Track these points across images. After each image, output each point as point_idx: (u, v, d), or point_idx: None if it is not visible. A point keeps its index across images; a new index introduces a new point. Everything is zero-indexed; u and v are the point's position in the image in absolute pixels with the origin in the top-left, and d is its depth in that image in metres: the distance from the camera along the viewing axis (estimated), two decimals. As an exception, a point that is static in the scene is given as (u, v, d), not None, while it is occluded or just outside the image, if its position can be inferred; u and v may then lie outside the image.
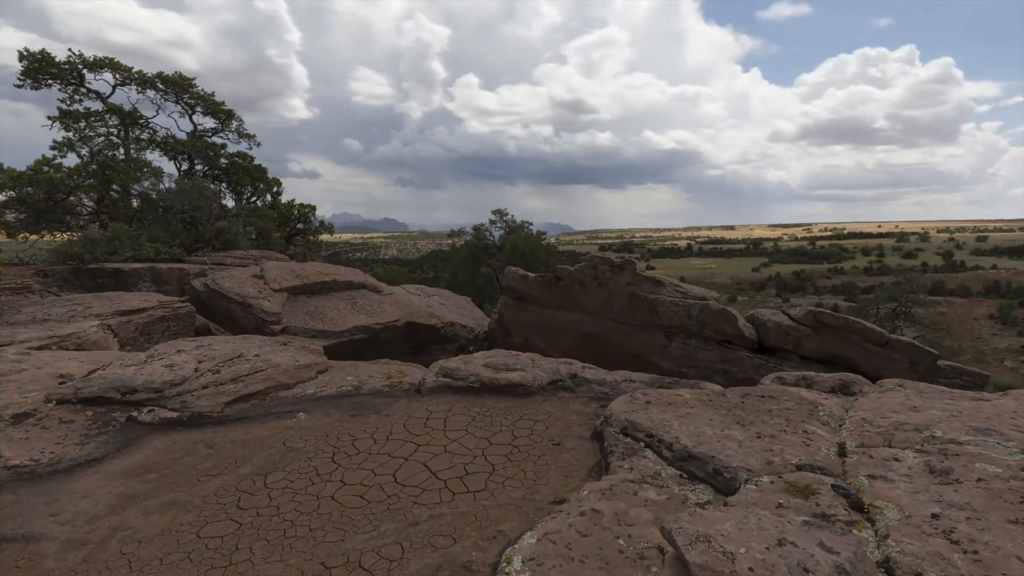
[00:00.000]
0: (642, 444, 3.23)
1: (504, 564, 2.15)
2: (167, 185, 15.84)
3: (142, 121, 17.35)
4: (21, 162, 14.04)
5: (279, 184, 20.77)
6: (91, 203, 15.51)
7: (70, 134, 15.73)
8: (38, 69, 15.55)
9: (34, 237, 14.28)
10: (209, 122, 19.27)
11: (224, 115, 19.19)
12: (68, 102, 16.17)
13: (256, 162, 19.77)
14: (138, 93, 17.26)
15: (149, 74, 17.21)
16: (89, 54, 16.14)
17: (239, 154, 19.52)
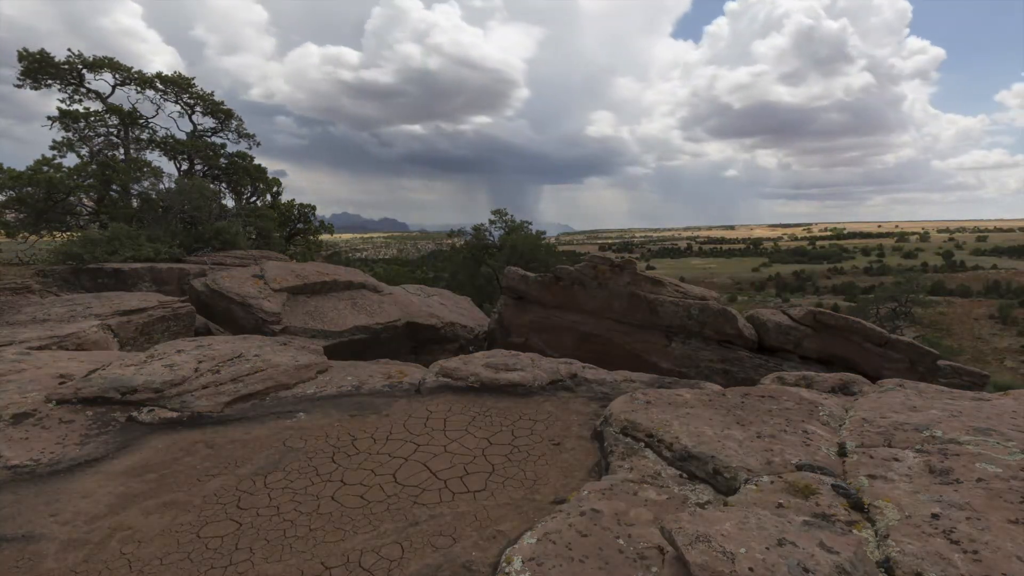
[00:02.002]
0: (642, 444, 3.23)
1: (504, 564, 2.15)
2: (167, 185, 15.84)
3: (142, 121, 17.36)
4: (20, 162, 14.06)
5: (279, 184, 20.77)
6: (91, 203, 15.50)
7: (69, 134, 15.74)
8: (37, 69, 15.55)
9: (34, 237, 14.27)
10: (208, 122, 19.30)
11: (223, 115, 19.20)
12: (68, 102, 16.18)
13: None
14: (137, 93, 17.27)
15: (148, 74, 17.22)
16: (89, 54, 16.16)
17: (239, 154, 19.53)
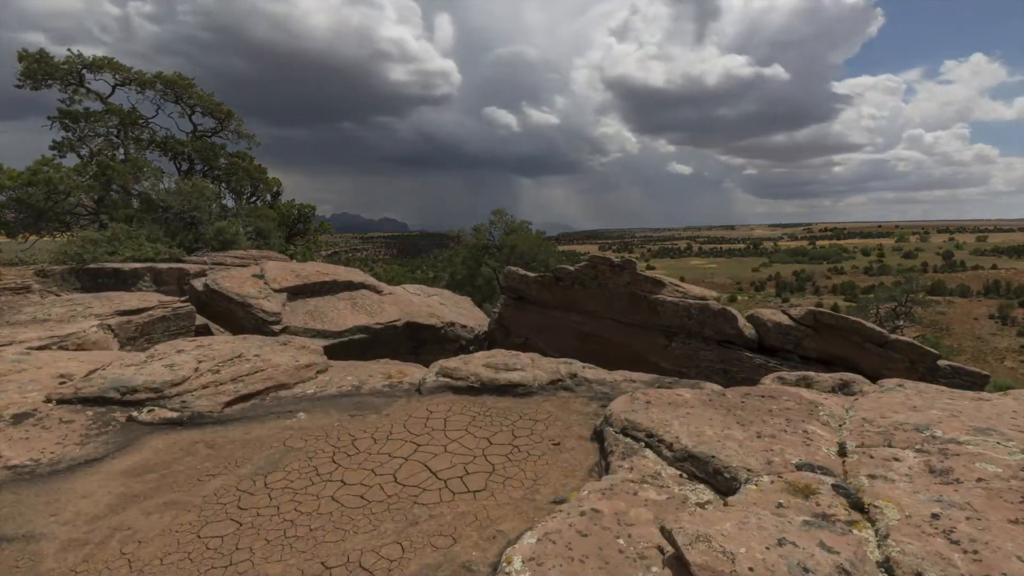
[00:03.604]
0: (642, 444, 3.23)
1: (504, 564, 2.15)
2: (167, 185, 15.86)
3: (141, 121, 17.37)
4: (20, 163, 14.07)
5: (279, 184, 20.79)
6: (91, 203, 15.52)
7: (69, 134, 15.75)
8: (37, 70, 15.55)
9: (34, 237, 14.28)
10: (208, 122, 19.32)
11: (223, 115, 19.21)
12: (68, 103, 16.18)
13: None
14: (137, 93, 17.30)
15: (149, 74, 17.23)
16: (88, 55, 16.18)
17: (239, 154, 19.55)
